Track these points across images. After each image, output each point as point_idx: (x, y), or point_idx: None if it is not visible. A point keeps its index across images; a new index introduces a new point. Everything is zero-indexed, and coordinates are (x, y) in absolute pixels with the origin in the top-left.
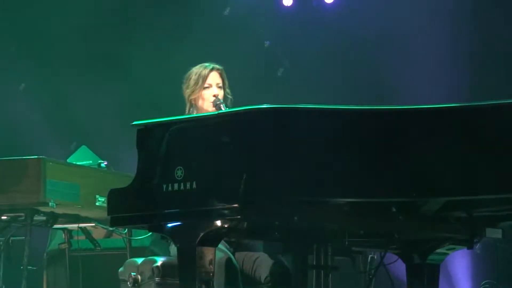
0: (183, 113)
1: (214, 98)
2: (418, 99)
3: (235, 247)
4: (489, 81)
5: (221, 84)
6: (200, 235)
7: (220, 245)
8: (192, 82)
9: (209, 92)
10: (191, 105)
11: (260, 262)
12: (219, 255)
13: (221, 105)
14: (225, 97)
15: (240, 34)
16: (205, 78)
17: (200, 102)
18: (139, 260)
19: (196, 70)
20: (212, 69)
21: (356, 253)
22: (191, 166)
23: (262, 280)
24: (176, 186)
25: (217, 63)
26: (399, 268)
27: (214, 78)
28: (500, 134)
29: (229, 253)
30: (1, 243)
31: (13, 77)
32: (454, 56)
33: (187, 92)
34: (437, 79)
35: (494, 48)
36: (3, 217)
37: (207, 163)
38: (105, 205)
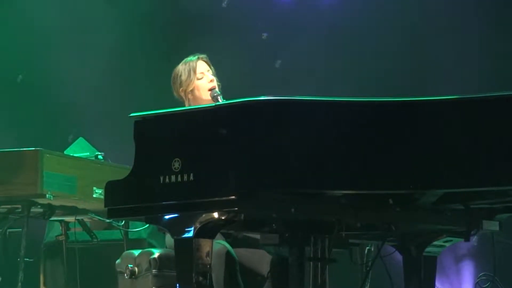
0: (180, 105)
1: (211, 85)
2: (418, 91)
3: (233, 242)
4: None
5: (210, 70)
6: (197, 227)
7: (218, 238)
8: (184, 77)
9: (203, 81)
10: (188, 100)
11: (263, 257)
12: (218, 247)
13: (219, 97)
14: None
15: (238, 26)
16: (195, 68)
17: (196, 93)
18: (136, 252)
19: (182, 66)
20: (198, 58)
21: (353, 245)
22: (188, 158)
23: (266, 275)
24: (173, 178)
25: (202, 53)
26: (396, 260)
27: (204, 66)
28: (498, 126)
29: (227, 245)
30: None
31: (11, 69)
32: (461, 46)
33: (181, 89)
34: (438, 71)
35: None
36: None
37: (204, 155)
38: (102, 197)
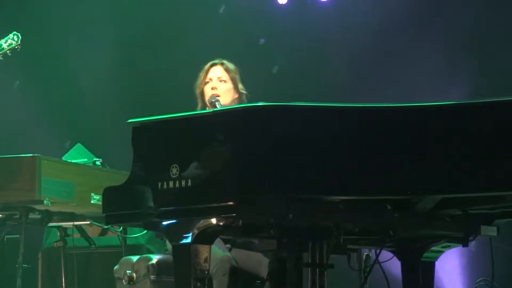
0: (178, 111)
1: (212, 92)
2: (419, 97)
3: (232, 245)
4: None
5: (224, 78)
6: (195, 233)
7: (217, 244)
8: (199, 78)
9: (207, 86)
10: (202, 101)
11: (262, 260)
12: (221, 255)
13: (216, 103)
14: (240, 93)
15: (235, 32)
16: (206, 73)
17: (205, 97)
18: (134, 258)
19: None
20: (212, 64)
21: (351, 250)
22: (186, 164)
23: (265, 277)
24: (171, 183)
25: (223, 58)
26: (395, 265)
27: (215, 72)
28: (494, 131)
29: (228, 253)
30: None
31: (8, 75)
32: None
33: (196, 87)
34: (438, 75)
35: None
36: None
37: (202, 160)
38: (100, 203)
